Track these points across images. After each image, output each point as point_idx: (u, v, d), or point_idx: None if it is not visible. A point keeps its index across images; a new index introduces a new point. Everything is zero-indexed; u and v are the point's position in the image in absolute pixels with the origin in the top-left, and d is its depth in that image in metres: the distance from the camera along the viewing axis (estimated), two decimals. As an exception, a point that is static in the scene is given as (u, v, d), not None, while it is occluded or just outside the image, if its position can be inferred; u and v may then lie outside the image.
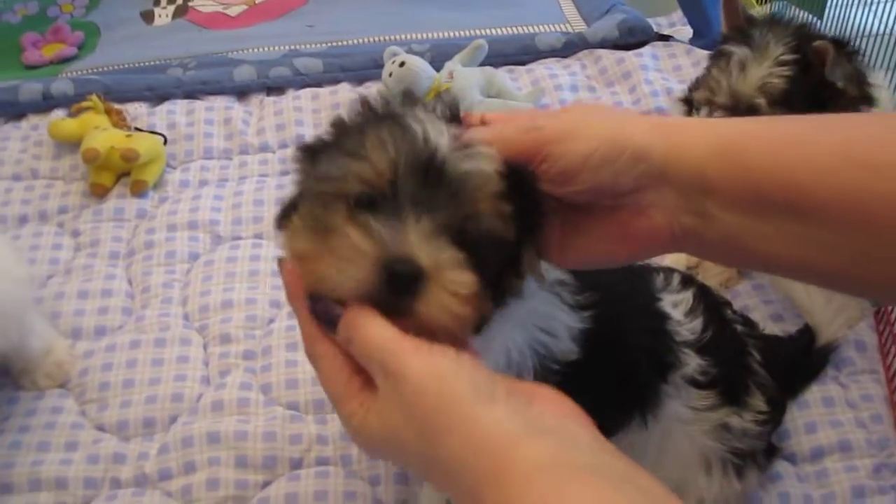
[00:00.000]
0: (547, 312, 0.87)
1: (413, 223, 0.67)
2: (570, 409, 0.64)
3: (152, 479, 1.24)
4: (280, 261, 0.74)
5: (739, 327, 1.12)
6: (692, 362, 1.00)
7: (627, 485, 0.56)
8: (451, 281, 0.67)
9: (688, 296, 1.05)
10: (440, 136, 0.70)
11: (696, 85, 1.36)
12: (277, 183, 1.63)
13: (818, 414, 1.24)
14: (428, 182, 0.69)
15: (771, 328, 1.33)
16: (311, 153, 0.78)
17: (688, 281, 1.09)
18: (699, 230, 0.72)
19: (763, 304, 1.38)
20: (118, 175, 1.65)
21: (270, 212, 1.58)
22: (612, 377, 0.95)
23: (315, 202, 0.73)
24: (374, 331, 0.66)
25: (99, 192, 1.63)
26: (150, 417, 1.31)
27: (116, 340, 1.40)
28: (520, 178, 0.72)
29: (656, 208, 0.73)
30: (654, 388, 1.00)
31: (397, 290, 0.66)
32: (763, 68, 1.25)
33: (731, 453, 1.06)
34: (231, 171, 1.68)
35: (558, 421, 0.62)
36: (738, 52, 1.27)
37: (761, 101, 1.25)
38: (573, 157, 0.72)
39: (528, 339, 0.86)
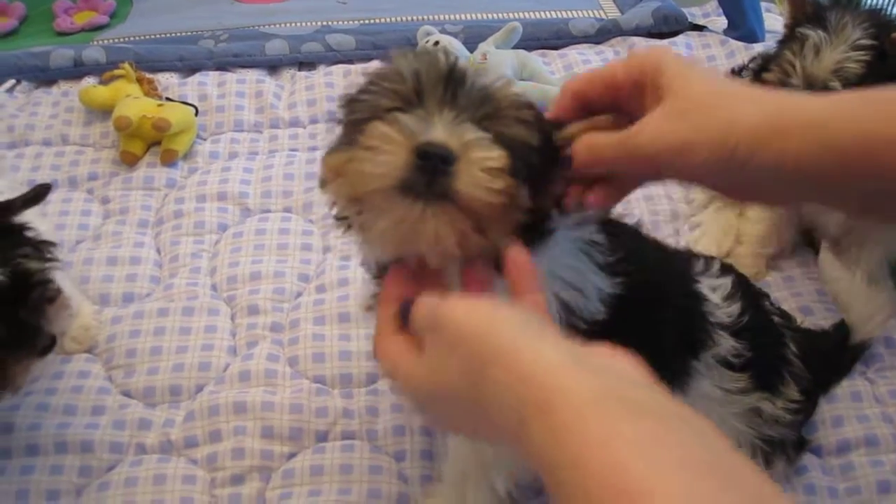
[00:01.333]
0: (576, 269, 0.88)
1: (438, 115, 0.72)
2: (622, 353, 0.61)
3: (178, 446, 1.25)
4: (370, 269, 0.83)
5: (776, 318, 1.12)
6: (726, 344, 1.01)
7: (682, 424, 0.53)
8: (481, 157, 0.71)
9: (726, 282, 1.05)
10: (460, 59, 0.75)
11: (764, 64, 1.36)
12: (308, 158, 1.63)
13: (845, 408, 1.24)
14: (451, 87, 0.74)
15: (802, 321, 1.32)
16: (349, 100, 0.81)
17: (727, 269, 1.09)
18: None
19: (792, 296, 1.37)
20: (149, 144, 1.66)
21: (300, 186, 1.58)
22: (638, 345, 0.95)
23: (350, 127, 0.78)
24: (424, 300, 0.67)
25: (129, 161, 1.64)
26: (176, 385, 1.31)
27: (144, 308, 1.41)
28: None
29: None
30: (682, 363, 1.00)
31: (431, 172, 0.70)
32: (839, 52, 1.24)
33: (760, 439, 1.07)
34: (261, 145, 1.68)
35: (611, 360, 0.60)
36: (814, 35, 1.26)
37: (836, 84, 1.24)
38: (678, 173, 0.74)
39: (554, 292, 0.86)
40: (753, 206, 1.44)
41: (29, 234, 1.17)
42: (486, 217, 0.72)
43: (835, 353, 1.25)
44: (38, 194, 1.17)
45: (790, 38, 1.32)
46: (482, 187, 0.71)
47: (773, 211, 1.42)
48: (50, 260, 1.18)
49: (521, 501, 1.13)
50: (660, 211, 1.50)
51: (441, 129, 0.71)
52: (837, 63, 1.24)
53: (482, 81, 0.75)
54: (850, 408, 1.24)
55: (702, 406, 1.03)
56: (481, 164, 0.71)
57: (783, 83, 1.29)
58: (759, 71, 1.41)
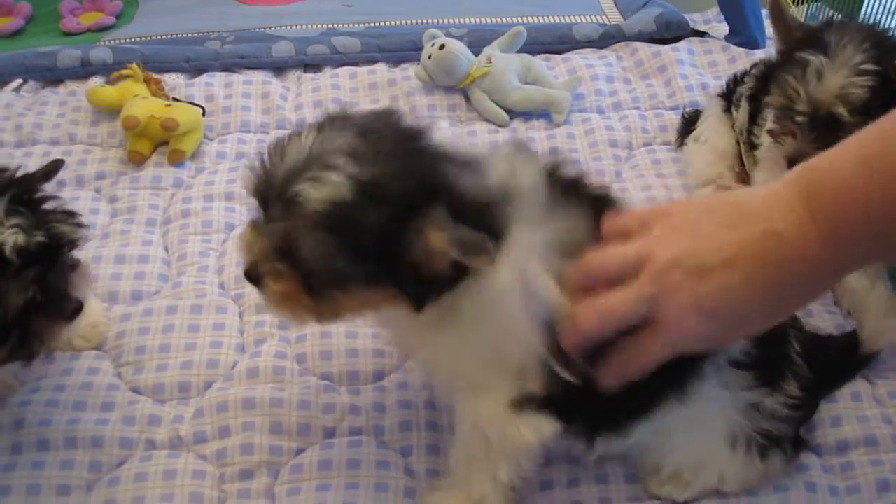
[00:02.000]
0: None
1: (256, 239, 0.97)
2: None
3: (187, 442, 1.26)
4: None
5: None
6: (738, 345, 1.02)
7: None
8: (272, 285, 0.97)
9: None
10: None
11: (760, 87, 1.37)
12: (315, 157, 1.64)
13: (845, 408, 1.26)
14: (268, 200, 0.94)
15: (803, 321, 1.34)
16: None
17: None
18: None
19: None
20: (156, 144, 1.67)
21: (307, 187, 1.59)
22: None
23: None
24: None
25: (137, 160, 1.65)
26: (185, 382, 1.33)
27: (153, 305, 1.42)
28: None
29: None
30: (695, 369, 1.02)
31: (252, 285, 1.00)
32: (840, 76, 1.25)
33: (757, 433, 1.09)
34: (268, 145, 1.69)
35: None
36: (815, 60, 1.26)
37: (841, 109, 1.25)
38: None
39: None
40: None
41: (55, 203, 1.19)
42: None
43: (841, 359, 1.27)
44: (53, 167, 1.21)
45: (788, 61, 1.31)
46: (275, 296, 0.97)
47: None
48: (80, 226, 1.20)
49: (527, 496, 1.15)
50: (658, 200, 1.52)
51: (252, 259, 0.99)
52: (842, 88, 1.25)
53: (292, 190, 0.89)
54: (849, 408, 1.26)
55: (704, 403, 1.04)
56: (272, 287, 0.96)
57: (789, 108, 1.30)
58: (756, 94, 1.44)
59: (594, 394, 0.94)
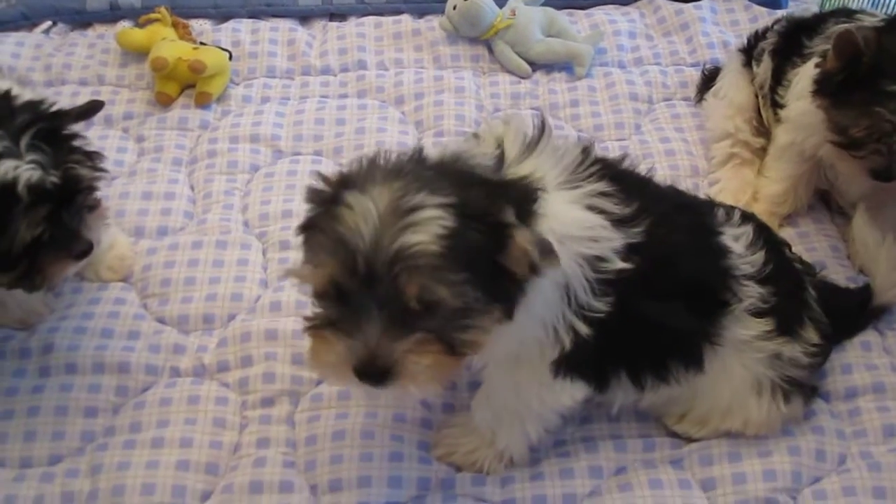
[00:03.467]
0: (588, 224, 0.96)
1: (367, 328, 0.88)
2: None
3: (210, 370, 1.30)
4: None
5: (798, 265, 1.17)
6: (754, 293, 1.07)
7: None
8: (414, 362, 0.89)
9: (748, 230, 1.11)
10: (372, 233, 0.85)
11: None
12: (338, 105, 1.67)
13: (854, 357, 1.28)
14: (370, 283, 0.86)
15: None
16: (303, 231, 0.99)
17: (748, 217, 1.14)
18: None
19: (807, 251, 1.42)
20: (183, 86, 1.70)
21: (331, 131, 1.62)
22: (669, 302, 1.03)
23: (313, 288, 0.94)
24: None
25: (164, 101, 1.68)
26: (209, 314, 1.36)
27: (178, 240, 1.45)
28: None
29: None
30: (713, 318, 1.07)
31: (375, 382, 0.90)
32: None
33: (781, 380, 1.13)
34: (293, 91, 1.71)
35: None
36: None
37: None
38: None
39: (575, 252, 0.95)
40: (773, 166, 1.48)
41: (79, 143, 1.22)
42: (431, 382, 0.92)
43: (855, 311, 1.30)
44: (91, 108, 1.23)
45: (883, 95, 1.24)
46: (420, 372, 0.90)
47: (793, 172, 1.45)
48: (99, 170, 1.23)
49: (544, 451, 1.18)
50: (680, 166, 1.54)
51: (371, 350, 0.88)
52: None
53: (396, 248, 0.85)
54: (859, 357, 1.28)
55: (729, 354, 1.10)
56: (415, 366, 0.89)
57: (878, 133, 1.27)
58: (780, 49, 1.45)
59: (617, 347, 1.02)
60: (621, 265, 0.96)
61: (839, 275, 1.38)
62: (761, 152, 1.51)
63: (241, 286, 1.39)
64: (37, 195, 1.13)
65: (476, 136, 1.03)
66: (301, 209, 1.45)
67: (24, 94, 1.22)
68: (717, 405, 1.15)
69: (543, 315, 0.97)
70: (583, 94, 1.67)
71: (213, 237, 1.45)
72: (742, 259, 1.09)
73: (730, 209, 1.16)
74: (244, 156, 1.58)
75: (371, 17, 1.84)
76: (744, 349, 1.10)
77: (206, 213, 1.50)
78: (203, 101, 1.67)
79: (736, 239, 1.10)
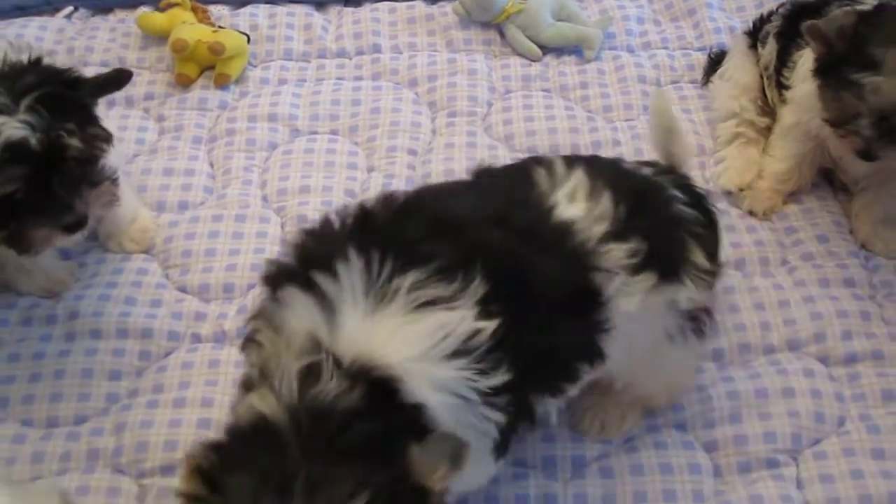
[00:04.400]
0: (439, 340, 0.88)
1: None
2: None
3: (230, 336, 1.34)
4: None
5: (652, 176, 1.11)
6: (620, 254, 0.98)
7: None
8: None
9: (580, 176, 1.01)
10: None
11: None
12: (353, 86, 1.71)
13: (855, 324, 1.32)
14: None
15: (818, 248, 1.41)
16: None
17: (573, 160, 1.06)
18: None
19: (811, 225, 1.46)
20: (203, 68, 1.74)
21: (346, 111, 1.66)
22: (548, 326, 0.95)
23: None
24: None
25: (184, 82, 1.72)
26: (229, 283, 1.41)
27: (199, 214, 1.50)
28: None
29: None
30: (593, 310, 0.98)
31: None
32: None
33: (685, 320, 1.08)
34: (309, 73, 1.76)
35: None
36: (869, 81, 1.27)
37: None
38: None
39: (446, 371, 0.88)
40: (778, 145, 1.51)
41: (85, 115, 1.24)
42: None
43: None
44: (117, 77, 1.26)
45: (839, 78, 1.31)
46: None
47: (797, 151, 1.49)
48: (95, 146, 1.24)
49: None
50: (687, 143, 1.57)
51: None
52: None
53: None
54: (859, 325, 1.32)
55: (630, 323, 1.01)
56: None
57: (848, 121, 1.33)
58: (784, 32, 1.49)
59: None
60: (488, 324, 0.88)
61: (842, 248, 1.42)
62: (766, 132, 1.55)
63: (260, 257, 1.43)
64: (16, 154, 1.15)
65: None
66: (318, 186, 1.53)
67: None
68: (643, 365, 1.11)
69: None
70: (592, 76, 1.71)
71: (232, 211, 1.50)
72: (588, 220, 0.98)
73: (549, 163, 1.05)
74: (262, 134, 1.63)
75: (385, 3, 1.88)
76: (638, 315, 1.01)
77: (225, 189, 1.55)
78: (222, 83, 1.71)
79: (571, 198, 1.00)
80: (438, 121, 1.64)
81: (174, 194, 1.54)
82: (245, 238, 1.46)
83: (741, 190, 1.50)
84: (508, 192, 1.03)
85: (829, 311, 1.33)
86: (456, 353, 0.87)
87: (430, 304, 0.88)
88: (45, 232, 1.24)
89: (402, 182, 1.53)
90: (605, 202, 1.00)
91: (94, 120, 1.28)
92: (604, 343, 1.00)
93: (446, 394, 0.86)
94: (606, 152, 1.56)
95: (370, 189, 1.52)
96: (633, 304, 0.99)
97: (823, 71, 1.36)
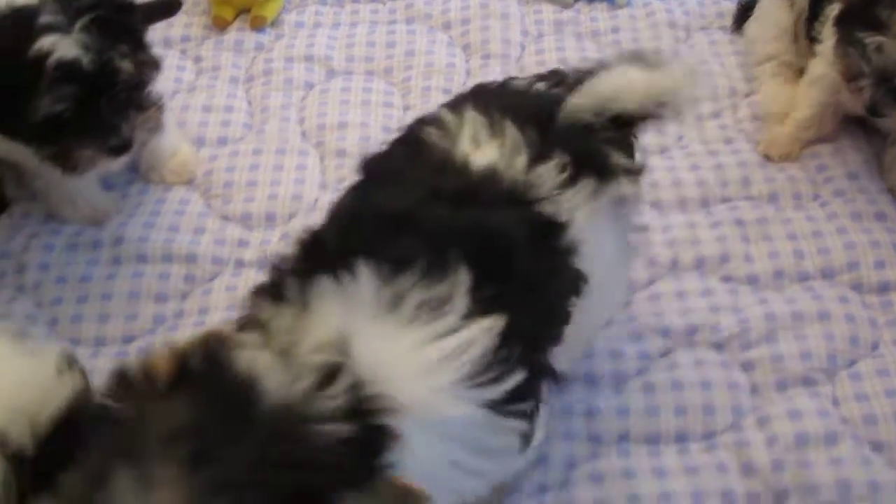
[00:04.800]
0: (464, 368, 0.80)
1: None
2: None
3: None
4: None
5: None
6: (547, 173, 0.93)
7: None
8: None
9: (472, 116, 0.96)
10: None
11: (837, 60, 1.41)
12: (388, 30, 1.73)
13: (888, 254, 1.34)
14: None
15: (849, 185, 1.43)
16: None
17: (457, 102, 1.01)
18: None
19: (841, 164, 1.48)
20: (239, 10, 1.76)
21: (381, 53, 1.69)
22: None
23: None
24: None
25: (220, 25, 1.75)
26: (271, 212, 1.43)
27: (239, 148, 1.53)
28: None
29: None
30: (559, 245, 0.94)
31: None
32: None
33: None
34: (343, 17, 1.78)
35: None
36: (871, 40, 1.31)
37: None
38: None
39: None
40: (804, 93, 1.53)
41: (137, 41, 1.27)
42: None
43: None
44: (169, 5, 1.29)
45: (847, 34, 1.37)
46: None
47: (823, 100, 1.51)
48: (144, 72, 1.27)
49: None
50: (718, 86, 1.60)
51: None
52: None
53: None
54: (891, 256, 1.34)
55: (589, 235, 0.96)
56: None
57: (854, 77, 1.37)
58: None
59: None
60: (491, 322, 0.82)
61: (872, 186, 1.44)
62: (801, 74, 1.57)
63: (300, 188, 1.46)
64: (68, 73, 1.17)
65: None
66: (356, 122, 1.55)
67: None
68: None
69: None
70: (623, 21, 1.73)
71: (272, 145, 1.52)
72: (505, 157, 0.93)
73: (457, 112, 0.97)
74: (299, 74, 1.65)
75: (416, -46, 1.90)
76: (597, 224, 0.97)
77: (263, 125, 1.57)
78: (258, 25, 1.74)
79: (476, 142, 0.94)
80: (472, 62, 1.67)
81: (213, 130, 1.56)
82: (285, 170, 1.49)
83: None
84: (417, 166, 0.95)
85: (862, 241, 1.35)
86: (470, 374, 0.79)
87: (433, 310, 0.80)
88: (90, 153, 1.26)
89: (439, 119, 1.55)
90: (511, 132, 0.94)
91: (144, 46, 1.31)
92: (582, 266, 0.95)
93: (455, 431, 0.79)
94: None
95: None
96: (586, 214, 0.95)
97: (841, 23, 1.39)
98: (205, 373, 0.71)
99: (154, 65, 1.31)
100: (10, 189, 1.46)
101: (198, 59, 1.70)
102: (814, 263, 1.34)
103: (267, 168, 1.49)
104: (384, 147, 1.03)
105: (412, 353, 0.79)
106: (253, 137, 1.55)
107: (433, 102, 1.58)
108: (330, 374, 0.72)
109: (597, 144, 1.00)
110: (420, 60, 1.66)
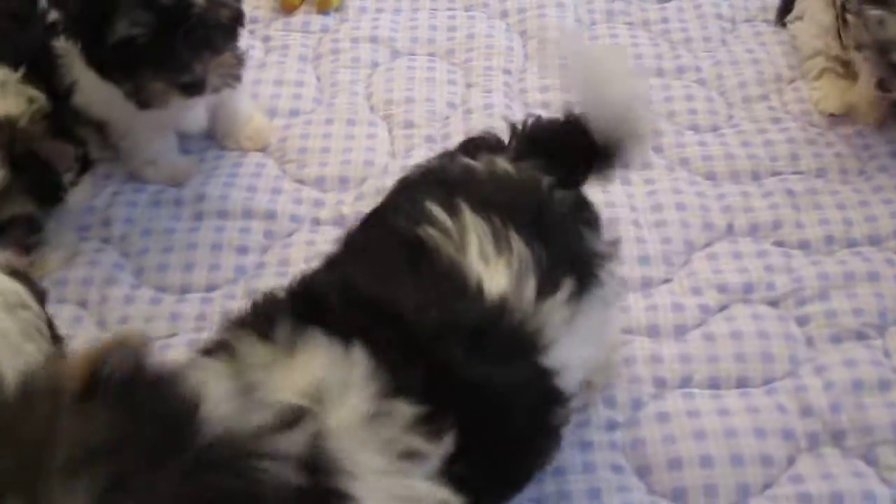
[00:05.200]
0: None
1: None
2: None
3: (349, 219, 1.44)
4: None
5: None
6: (556, 310, 0.87)
7: None
8: None
9: (472, 221, 0.87)
10: None
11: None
12: (448, 15, 1.81)
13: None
14: None
15: (893, 162, 1.51)
16: None
17: (446, 198, 0.89)
18: None
19: (886, 142, 1.55)
20: (306, -4, 1.86)
21: (443, 36, 1.77)
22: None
23: None
24: None
25: (288, 8, 1.83)
26: (344, 176, 1.51)
27: (311, 118, 1.61)
28: None
29: None
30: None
31: None
32: None
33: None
34: (404, 3, 1.85)
35: None
36: (874, 13, 1.40)
37: None
38: None
39: None
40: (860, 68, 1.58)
41: None
42: None
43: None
44: None
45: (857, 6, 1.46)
46: None
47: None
48: (221, 13, 1.32)
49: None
50: (765, 72, 1.68)
51: None
52: None
53: None
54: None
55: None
56: None
57: (858, 49, 1.47)
58: None
59: None
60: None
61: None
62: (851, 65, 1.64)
63: (372, 155, 1.54)
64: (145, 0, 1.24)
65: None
66: (422, 97, 1.63)
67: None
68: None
69: None
70: (671, 13, 1.81)
71: (343, 116, 1.61)
72: (515, 284, 0.85)
73: (426, 213, 0.88)
74: (365, 53, 1.73)
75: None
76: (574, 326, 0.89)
77: (333, 99, 1.65)
78: (324, 8, 1.82)
79: (485, 260, 0.85)
80: (529, 46, 1.75)
81: (285, 102, 1.64)
82: (356, 139, 1.57)
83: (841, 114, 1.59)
84: (427, 275, 0.84)
85: (908, 210, 1.43)
86: None
87: (409, 457, 0.73)
88: (162, 87, 1.32)
89: (501, 97, 1.63)
90: (517, 246, 0.86)
91: None
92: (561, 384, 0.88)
93: None
94: (689, 78, 1.67)
95: (470, 101, 1.63)
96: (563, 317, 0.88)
97: None
98: (128, 385, 0.60)
99: (233, 11, 1.36)
100: (93, 151, 1.53)
101: (266, 39, 1.79)
102: (861, 231, 1.41)
103: (338, 137, 1.57)
104: (371, 228, 0.97)
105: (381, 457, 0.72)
106: (323, 110, 1.63)
107: (495, 81, 1.67)
108: (295, 418, 0.65)
109: (577, 231, 0.96)
110: (480, 43, 1.75)
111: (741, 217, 1.43)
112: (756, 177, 1.50)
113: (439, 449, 0.74)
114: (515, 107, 1.61)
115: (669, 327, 1.29)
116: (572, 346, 0.88)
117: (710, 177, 1.50)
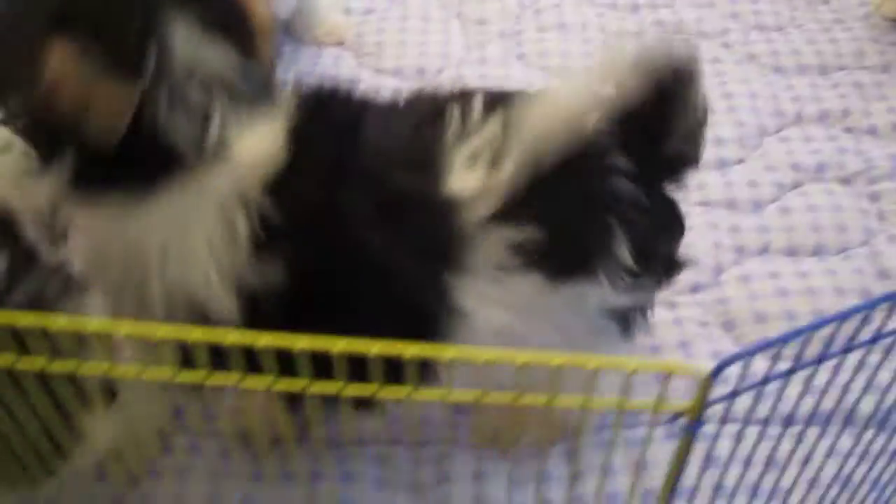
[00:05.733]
0: None
1: None
2: None
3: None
4: None
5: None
6: (493, 242, 0.74)
7: None
8: None
9: (491, 131, 0.75)
10: None
11: None
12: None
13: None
14: None
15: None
16: None
17: (495, 102, 0.78)
18: None
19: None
20: None
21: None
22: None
23: None
24: None
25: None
26: (421, 66, 1.56)
27: (386, 16, 1.65)
28: None
29: None
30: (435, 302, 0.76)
31: None
32: None
33: (607, 319, 0.83)
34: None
35: None
36: None
37: None
38: None
39: None
40: None
41: None
42: None
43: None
44: None
45: None
46: None
47: None
48: None
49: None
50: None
51: None
52: None
53: None
54: None
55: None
56: None
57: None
58: None
59: None
60: None
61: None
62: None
63: (447, 48, 1.59)
64: None
65: None
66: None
67: None
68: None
69: None
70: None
71: (416, 13, 1.66)
72: (477, 196, 0.74)
73: (467, 101, 0.78)
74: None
75: None
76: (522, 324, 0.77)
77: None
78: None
79: (470, 162, 0.75)
80: None
81: (359, 2, 1.69)
82: (430, 34, 1.61)
83: None
84: (416, 130, 0.79)
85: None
86: None
87: None
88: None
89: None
90: (508, 168, 0.74)
91: None
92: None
93: None
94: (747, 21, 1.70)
95: (540, 3, 1.67)
96: (499, 318, 0.76)
97: None
98: None
99: None
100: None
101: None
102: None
103: (414, 31, 1.61)
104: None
105: None
106: (397, 9, 1.68)
107: None
108: None
109: (606, 221, 0.79)
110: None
111: (810, 105, 1.47)
112: (823, 71, 1.54)
113: None
114: (587, 12, 1.66)
115: (746, 202, 1.34)
116: None
117: (778, 70, 1.54)
